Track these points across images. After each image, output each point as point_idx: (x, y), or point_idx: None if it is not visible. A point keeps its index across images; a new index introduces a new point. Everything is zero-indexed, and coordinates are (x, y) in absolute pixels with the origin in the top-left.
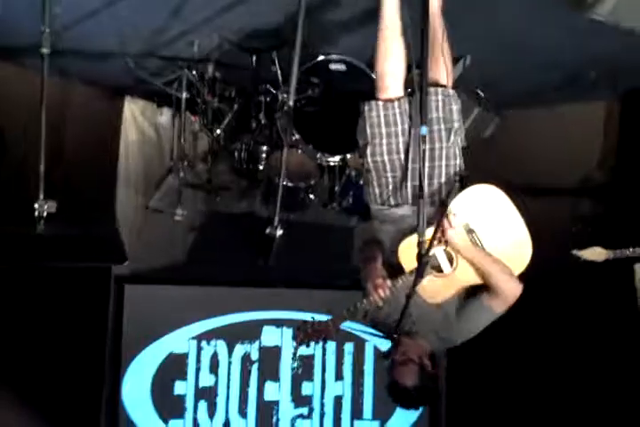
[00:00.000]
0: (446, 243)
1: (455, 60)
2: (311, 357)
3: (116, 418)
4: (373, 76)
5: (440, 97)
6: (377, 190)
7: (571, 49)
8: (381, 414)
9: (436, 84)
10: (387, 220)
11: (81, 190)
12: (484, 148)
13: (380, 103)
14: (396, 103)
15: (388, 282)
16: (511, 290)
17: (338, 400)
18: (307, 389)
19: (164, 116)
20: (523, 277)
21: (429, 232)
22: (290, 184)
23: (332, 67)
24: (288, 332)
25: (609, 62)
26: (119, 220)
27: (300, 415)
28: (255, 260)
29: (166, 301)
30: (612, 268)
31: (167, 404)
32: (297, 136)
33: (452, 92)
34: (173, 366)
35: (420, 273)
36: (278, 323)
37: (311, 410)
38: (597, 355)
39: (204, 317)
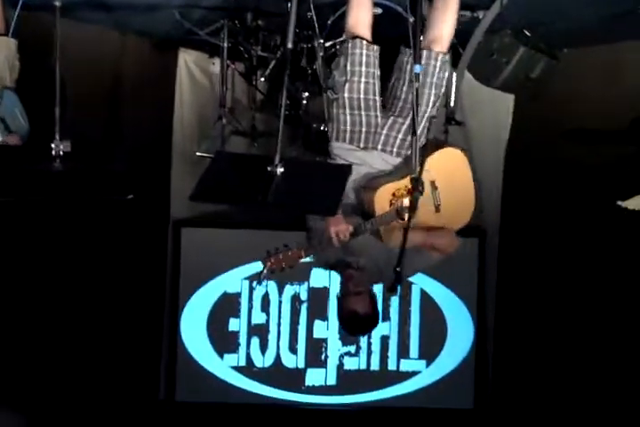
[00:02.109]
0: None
1: None
2: None
3: (174, 352)
4: (410, 19)
5: (438, 63)
6: (348, 127)
7: None
8: (427, 353)
9: (435, 45)
10: (348, 160)
11: (136, 137)
12: (533, 89)
13: (365, 42)
14: (374, 47)
15: (350, 228)
16: (449, 247)
17: (384, 340)
18: None
19: (216, 65)
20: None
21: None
22: (326, 128)
23: None
24: (336, 274)
25: None
26: (175, 165)
27: (348, 353)
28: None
29: (220, 243)
30: None
31: (222, 339)
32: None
33: (447, 57)
34: (227, 305)
35: (412, 208)
36: None
37: (358, 348)
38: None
39: (256, 258)
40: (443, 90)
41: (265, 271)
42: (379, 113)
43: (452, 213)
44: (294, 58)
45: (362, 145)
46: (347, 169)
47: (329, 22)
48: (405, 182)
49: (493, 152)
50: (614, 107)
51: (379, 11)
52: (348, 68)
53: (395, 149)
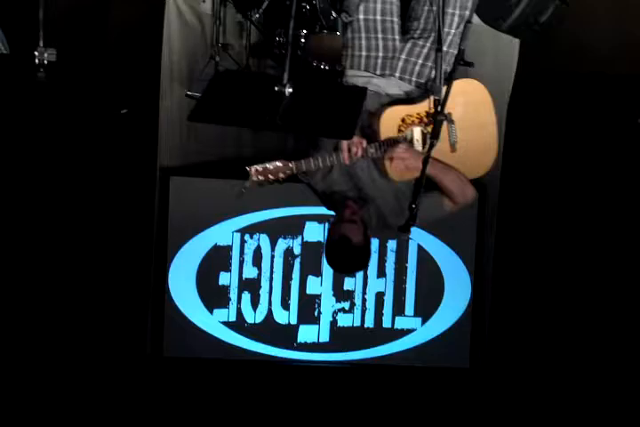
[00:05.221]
0: (427, 124)
1: None
2: None
3: (162, 306)
4: None
5: None
6: (364, 53)
7: None
8: (423, 311)
9: None
10: None
11: (122, 80)
12: (544, 35)
13: None
14: None
15: (364, 142)
16: (463, 196)
17: (379, 296)
18: (348, 284)
19: (207, 3)
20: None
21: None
22: (326, 67)
23: None
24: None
25: None
26: (163, 111)
27: (342, 309)
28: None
29: (211, 194)
30: None
31: (212, 294)
32: (334, 16)
33: None
34: (217, 258)
35: (435, 134)
36: (321, 219)
37: (352, 305)
38: None
39: (248, 211)
40: (468, 12)
41: (250, 180)
42: (397, 36)
43: (471, 156)
44: None
45: (379, 72)
46: (363, 90)
47: None
48: (418, 109)
49: (495, 103)
50: (625, 53)
51: None
52: None
53: (414, 78)
